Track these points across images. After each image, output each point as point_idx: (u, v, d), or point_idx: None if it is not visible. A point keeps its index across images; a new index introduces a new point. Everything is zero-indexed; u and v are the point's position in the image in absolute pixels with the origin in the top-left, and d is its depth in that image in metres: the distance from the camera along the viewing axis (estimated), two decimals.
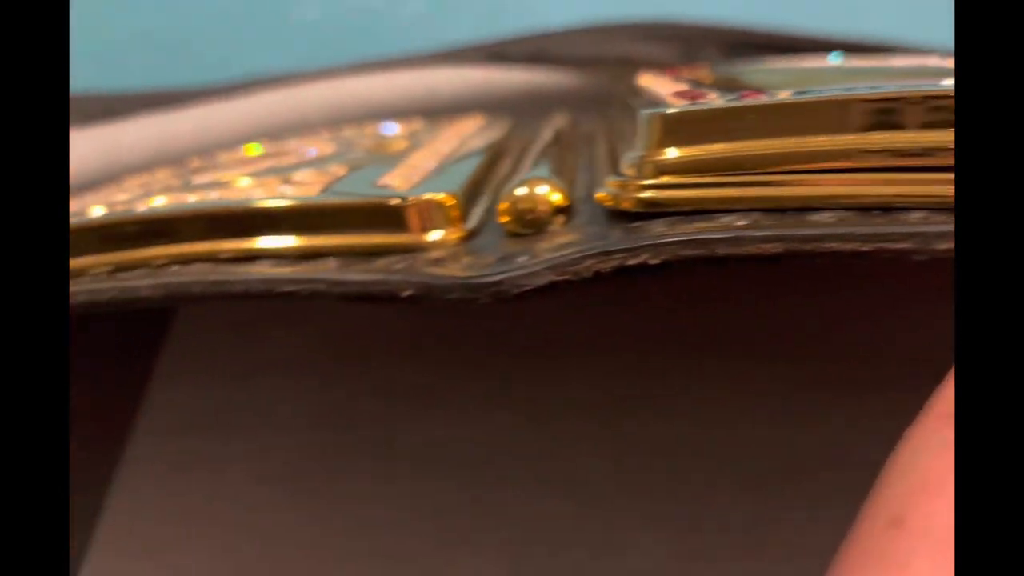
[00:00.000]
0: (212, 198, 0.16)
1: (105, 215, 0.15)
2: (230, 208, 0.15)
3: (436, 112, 0.28)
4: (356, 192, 0.15)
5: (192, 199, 0.16)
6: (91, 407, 0.22)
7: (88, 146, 0.26)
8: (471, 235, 0.15)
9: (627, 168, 0.14)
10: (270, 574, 0.22)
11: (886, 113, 0.13)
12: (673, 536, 0.23)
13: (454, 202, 0.15)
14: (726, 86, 0.23)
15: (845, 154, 0.13)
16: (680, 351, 0.24)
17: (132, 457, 0.22)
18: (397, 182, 0.16)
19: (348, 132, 0.23)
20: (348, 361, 0.23)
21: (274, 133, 0.26)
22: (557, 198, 0.15)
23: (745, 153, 0.13)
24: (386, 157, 0.19)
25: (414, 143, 0.21)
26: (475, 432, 0.23)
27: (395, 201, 0.14)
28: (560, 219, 0.15)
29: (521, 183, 0.15)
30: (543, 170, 0.16)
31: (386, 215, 0.15)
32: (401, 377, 0.23)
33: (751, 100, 0.14)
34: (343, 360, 0.23)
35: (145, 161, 0.26)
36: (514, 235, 0.15)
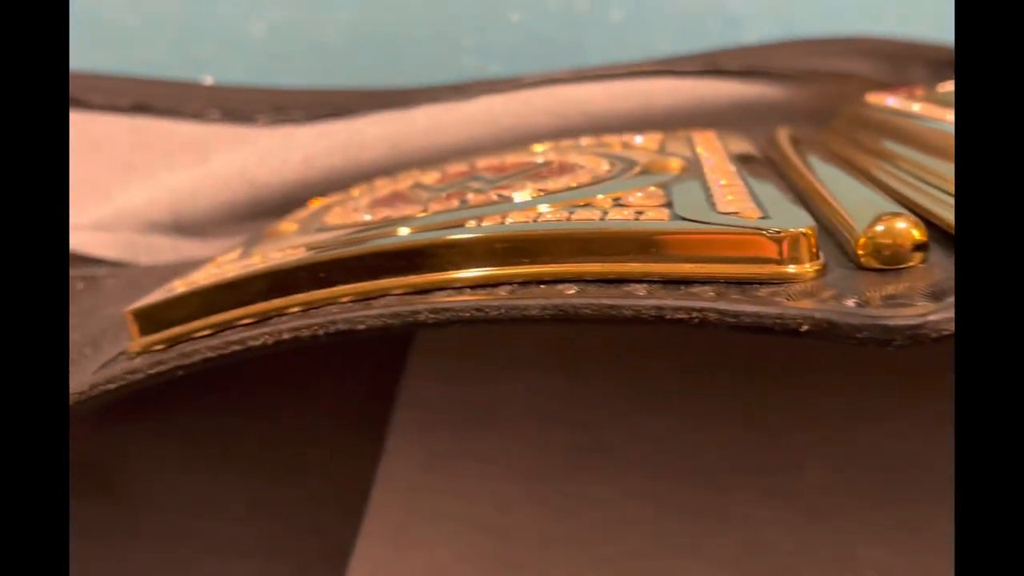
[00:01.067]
0: (559, 219, 0.16)
1: (474, 232, 0.16)
2: (597, 231, 0.15)
3: (652, 121, 0.28)
4: (710, 221, 0.16)
5: (546, 217, 0.16)
6: (349, 407, 0.23)
7: (324, 142, 0.26)
8: (826, 269, 0.15)
9: None
10: (517, 573, 0.22)
11: None
12: (898, 550, 0.23)
13: (814, 235, 0.15)
14: None
15: None
16: (906, 368, 0.25)
17: (390, 453, 0.22)
18: (738, 209, 0.16)
19: (589, 144, 0.23)
20: (593, 362, 0.24)
21: (501, 138, 0.27)
22: (917, 234, 0.15)
23: None
24: (675, 176, 0.19)
25: (687, 161, 0.21)
26: (708, 440, 0.24)
27: (769, 234, 0.15)
28: (919, 255, 0.15)
29: (878, 219, 0.15)
30: (888, 203, 0.16)
31: (755, 246, 0.15)
32: (642, 381, 0.24)
33: None
34: (588, 360, 0.24)
35: (382, 159, 0.26)
36: (866, 270, 0.15)
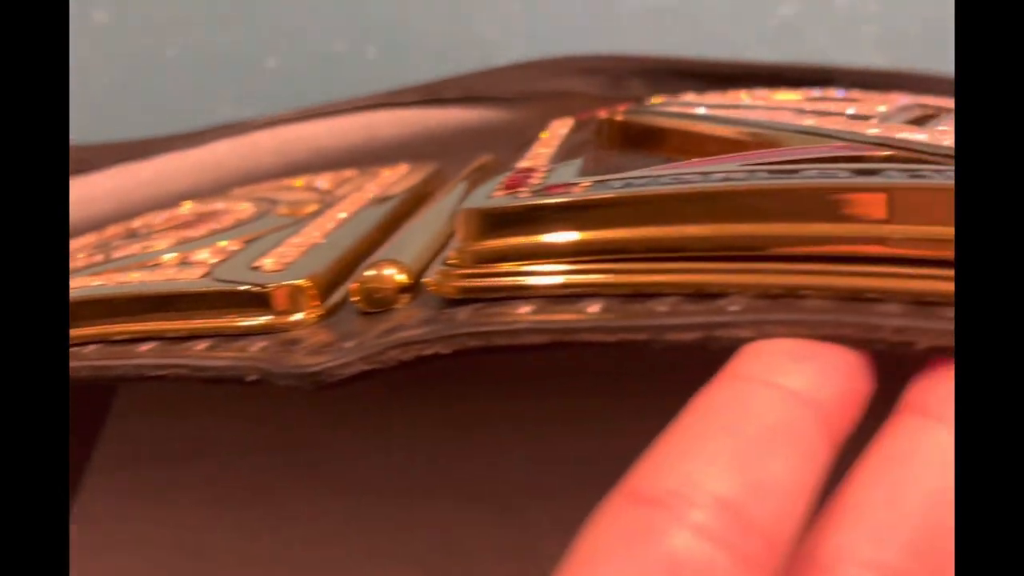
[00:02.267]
0: (113, 281, 0.18)
1: None
2: (123, 294, 0.17)
3: (377, 153, 0.30)
4: (230, 278, 0.17)
5: (104, 281, 0.18)
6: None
7: None
8: (329, 313, 0.17)
9: (451, 256, 0.16)
10: None
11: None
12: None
13: (312, 285, 0.17)
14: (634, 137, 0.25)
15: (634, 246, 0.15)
16: (601, 370, 0.26)
17: (91, 487, 0.24)
18: (271, 264, 0.18)
19: (269, 190, 0.25)
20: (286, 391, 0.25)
21: (227, 181, 0.29)
22: (402, 278, 0.17)
23: (541, 244, 0.15)
24: (290, 222, 0.21)
25: (324, 204, 0.23)
26: (404, 450, 0.26)
27: (259, 289, 0.17)
28: (406, 298, 0.17)
29: (371, 264, 0.17)
30: (394, 249, 0.18)
31: (253, 300, 0.17)
32: (340, 397, 0.25)
33: (550, 197, 0.15)
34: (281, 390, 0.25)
35: (112, 212, 0.28)
36: (365, 313, 0.17)
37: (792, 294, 0.13)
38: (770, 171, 0.15)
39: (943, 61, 0.36)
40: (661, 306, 0.14)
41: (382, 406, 0.26)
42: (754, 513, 0.11)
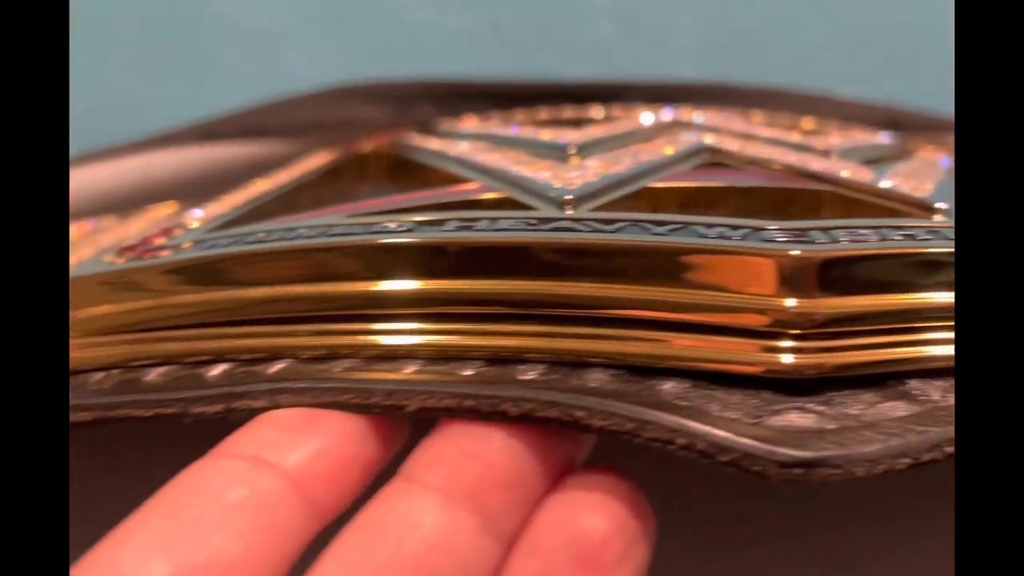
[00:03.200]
0: None
1: None
2: None
3: (157, 192, 0.30)
4: None
5: None
6: None
7: None
8: None
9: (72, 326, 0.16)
10: None
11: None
12: None
13: None
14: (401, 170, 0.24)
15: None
16: None
17: None
18: None
19: None
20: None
21: None
22: None
23: (128, 312, 0.15)
24: None
25: None
26: None
27: None
28: None
29: None
30: None
31: None
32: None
33: (138, 263, 0.15)
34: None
35: None
36: None
37: (332, 355, 0.13)
38: (361, 224, 0.15)
39: (758, 71, 0.36)
40: (215, 371, 0.14)
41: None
42: None
